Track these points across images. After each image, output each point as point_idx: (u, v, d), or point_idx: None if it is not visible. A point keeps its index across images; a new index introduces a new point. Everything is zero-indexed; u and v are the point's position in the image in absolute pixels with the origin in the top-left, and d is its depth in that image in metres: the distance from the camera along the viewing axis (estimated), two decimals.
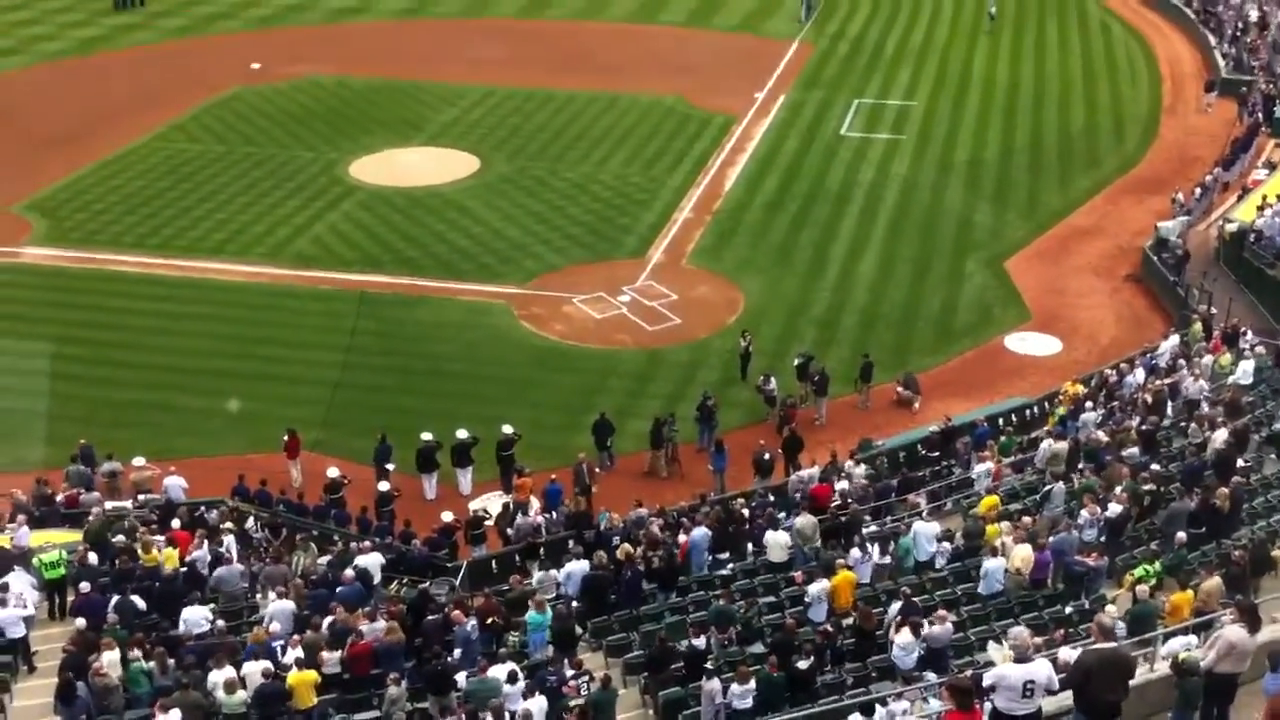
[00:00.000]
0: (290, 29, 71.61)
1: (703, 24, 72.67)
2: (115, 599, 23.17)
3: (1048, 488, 26.10)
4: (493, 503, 30.65)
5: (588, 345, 38.68)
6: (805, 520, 25.43)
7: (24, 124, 55.76)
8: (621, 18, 73.84)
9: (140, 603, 23.36)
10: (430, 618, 22.66)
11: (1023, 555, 22.78)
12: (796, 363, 35.72)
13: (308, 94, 60.71)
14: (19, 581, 23.73)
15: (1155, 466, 26.44)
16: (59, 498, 28.45)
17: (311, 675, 20.55)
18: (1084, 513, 24.30)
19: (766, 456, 31.19)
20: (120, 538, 25.78)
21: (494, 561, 27.61)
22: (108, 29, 70.85)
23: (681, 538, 25.73)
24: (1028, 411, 33.13)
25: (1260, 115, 52.33)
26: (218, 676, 20.36)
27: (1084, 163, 52.71)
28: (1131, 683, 14.10)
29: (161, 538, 25.88)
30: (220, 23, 72.58)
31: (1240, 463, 25.80)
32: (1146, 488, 25.24)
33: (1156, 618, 19.39)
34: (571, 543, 26.39)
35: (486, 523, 29.10)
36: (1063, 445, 28.17)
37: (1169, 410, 30.22)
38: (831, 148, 54.12)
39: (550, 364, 37.67)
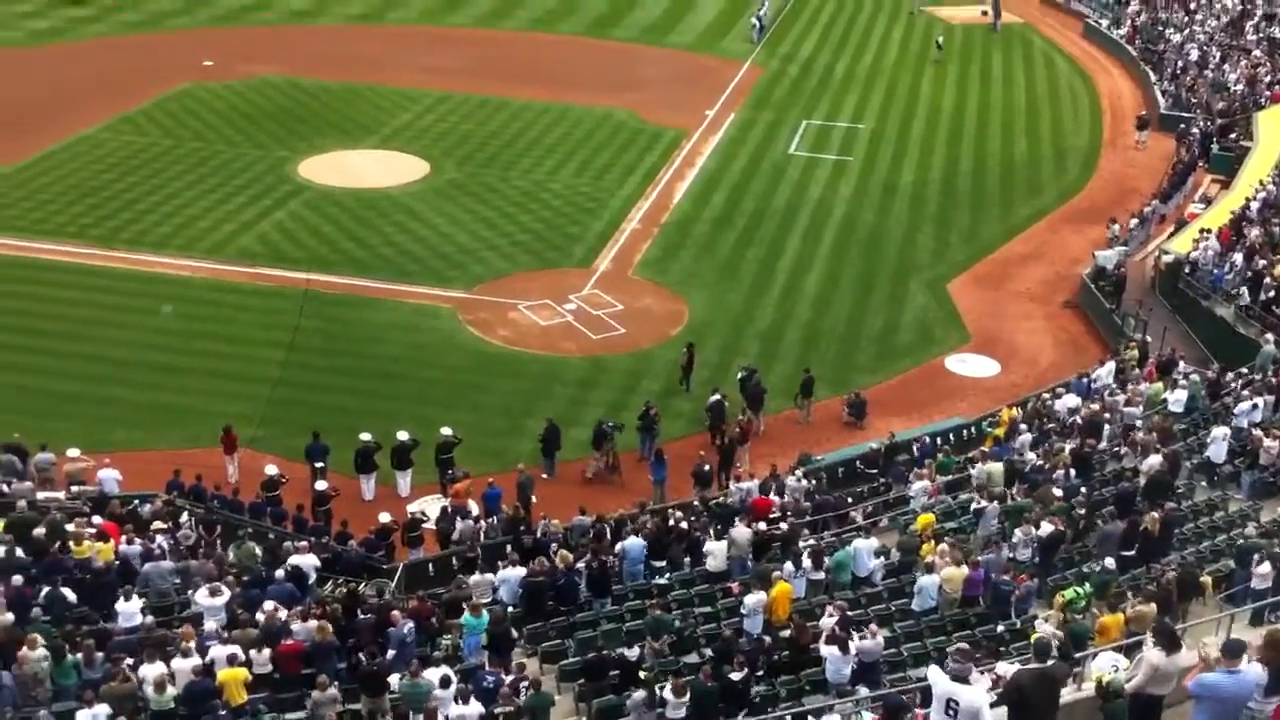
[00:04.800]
0: (245, 29, 71.10)
1: (657, 41, 73.08)
2: (45, 590, 22.87)
3: (981, 506, 26.44)
4: (431, 505, 30.56)
5: (532, 351, 38.72)
6: (742, 532, 25.60)
7: None
8: (577, 31, 74.06)
9: (71, 595, 23.06)
10: (363, 618, 22.56)
11: (955, 573, 23.08)
12: (740, 376, 35.95)
13: (260, 93, 60.27)
14: None
15: (1086, 490, 26.89)
16: None
17: (242, 673, 20.36)
18: (1018, 533, 24.66)
19: (706, 468, 31.42)
20: (41, 530, 25.37)
21: (431, 565, 27.50)
22: (61, 21, 70.08)
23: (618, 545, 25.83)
24: (965, 431, 33.57)
25: (1197, 151, 53.50)
26: (148, 672, 20.12)
27: (1025, 191, 53.57)
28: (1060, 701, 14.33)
29: (91, 530, 25.55)
30: (175, 19, 71.99)
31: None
32: (1079, 510, 25.67)
33: (1086, 638, 19.71)
34: (509, 548, 26.35)
35: (424, 525, 29.02)
36: (998, 466, 28.59)
37: (1104, 434, 30.72)
38: (779, 166, 54.60)
39: (494, 369, 37.66)
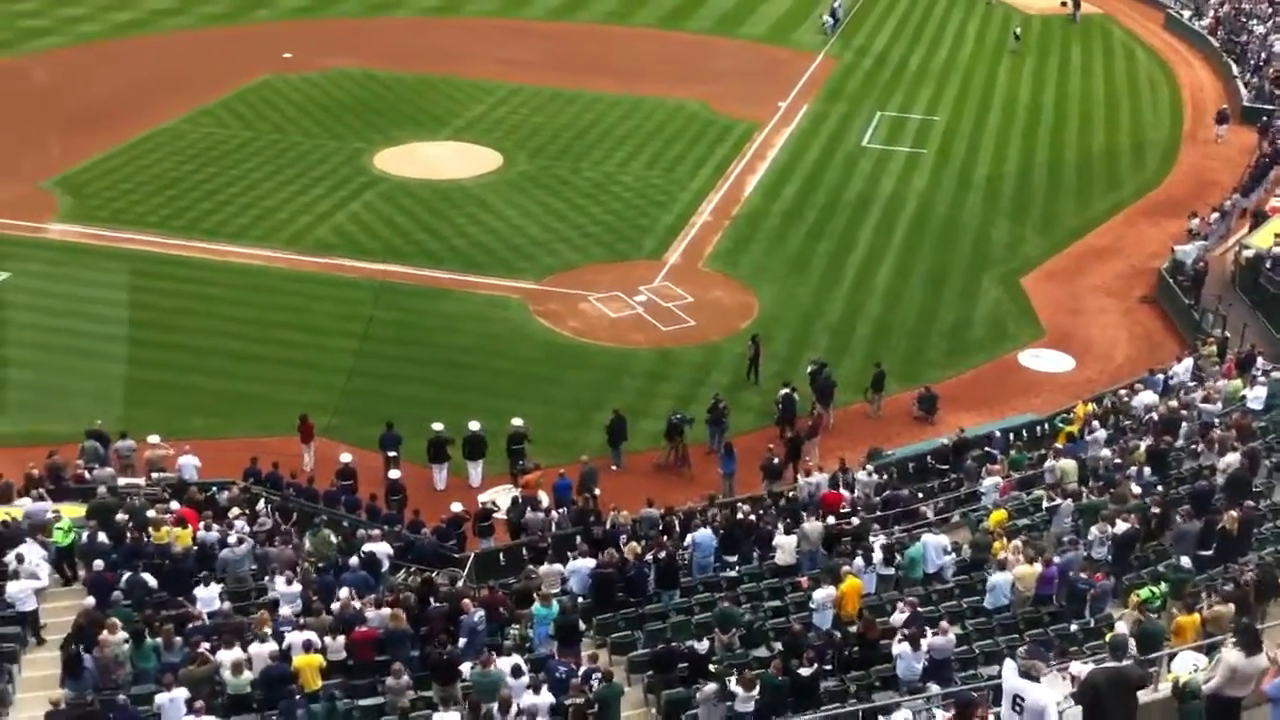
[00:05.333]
0: (324, 20, 71.94)
1: (729, 32, 72.84)
2: (126, 575, 23.41)
3: (1055, 504, 26.16)
4: (502, 496, 30.81)
5: (602, 343, 38.86)
6: (813, 526, 25.55)
7: (57, 103, 56.28)
8: (649, 23, 74.07)
9: (151, 580, 23.58)
10: (436, 606, 22.84)
11: (1028, 571, 22.88)
12: (809, 369, 35.82)
13: (337, 85, 61.03)
14: (32, 554, 23.94)
15: (1163, 488, 26.51)
16: (70, 473, 28.70)
17: (317, 659, 20.76)
18: (1093, 530, 24.37)
19: (775, 461, 31.34)
20: (123, 515, 25.97)
21: (501, 554, 27.76)
22: (145, 13, 71.35)
23: (688, 538, 25.91)
24: (1038, 428, 33.19)
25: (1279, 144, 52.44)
26: (225, 657, 20.57)
27: (1103, 184, 52.76)
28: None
29: (170, 516, 26.09)
30: (255, 12, 72.97)
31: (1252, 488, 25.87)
32: (1154, 509, 25.31)
33: (1163, 639, 19.46)
34: (578, 539, 26.53)
35: (495, 515, 29.27)
36: (1071, 463, 28.27)
37: (1181, 432, 30.26)
38: (852, 159, 54.27)
39: (564, 360, 37.84)
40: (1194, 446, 29.35)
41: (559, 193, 49.56)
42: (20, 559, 23.38)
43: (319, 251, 43.84)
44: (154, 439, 30.17)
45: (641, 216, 47.82)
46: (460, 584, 25.30)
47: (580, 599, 23.88)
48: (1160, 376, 34.00)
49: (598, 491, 29.67)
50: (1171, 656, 17.32)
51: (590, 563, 24.47)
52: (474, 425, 31.96)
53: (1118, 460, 28.51)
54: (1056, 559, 23.45)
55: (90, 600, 22.34)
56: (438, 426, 31.83)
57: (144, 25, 69.22)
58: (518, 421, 32.17)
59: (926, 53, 69.98)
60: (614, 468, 32.46)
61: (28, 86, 58.39)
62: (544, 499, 29.10)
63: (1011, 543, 24.14)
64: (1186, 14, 76.42)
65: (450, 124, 56.73)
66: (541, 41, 69.48)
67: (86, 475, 28.52)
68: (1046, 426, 33.09)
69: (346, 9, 74.38)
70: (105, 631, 20.94)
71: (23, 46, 64.64)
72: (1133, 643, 18.33)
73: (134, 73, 60.76)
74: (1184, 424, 30.45)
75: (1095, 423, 30.97)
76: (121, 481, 28.48)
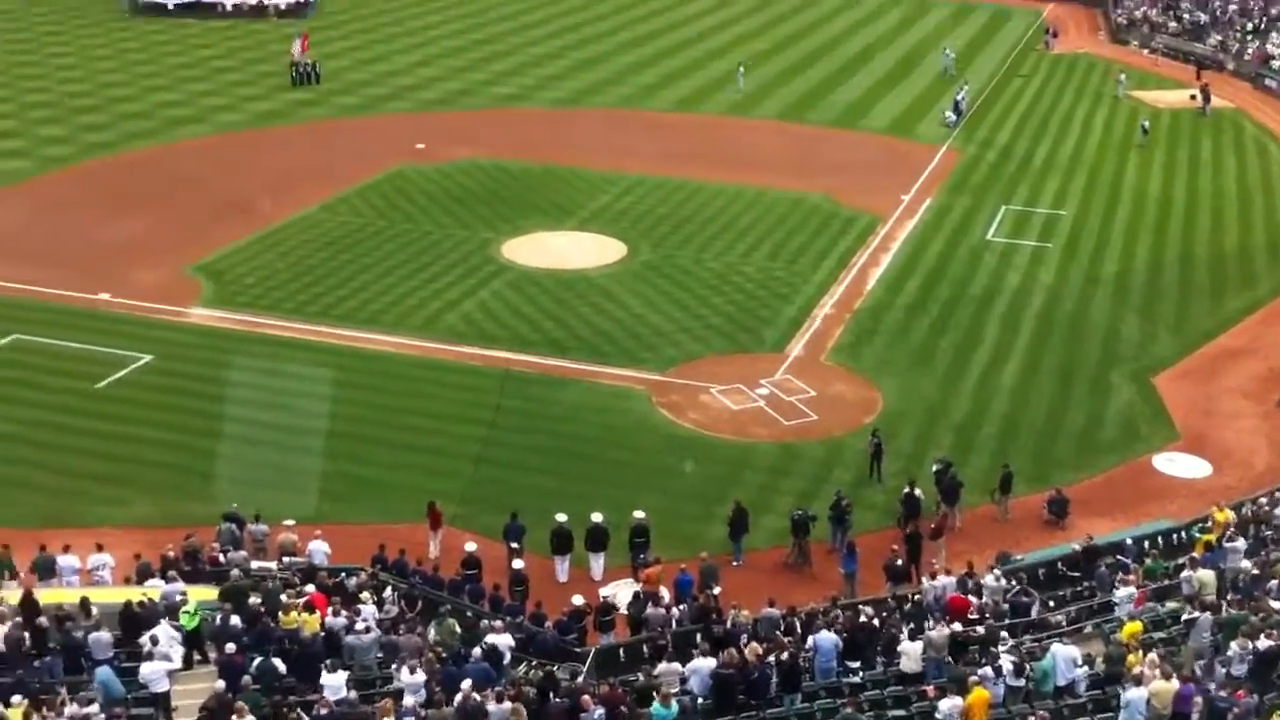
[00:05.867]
0: (455, 113, 74.06)
1: (851, 125, 73.23)
2: (257, 660, 23.88)
3: (1194, 616, 25.33)
4: (623, 590, 30.76)
5: (723, 436, 38.87)
6: (939, 632, 25.09)
7: (201, 190, 58.74)
8: (771, 115, 74.83)
9: (280, 665, 24.01)
10: (556, 701, 22.86)
11: (1165, 687, 22.15)
12: (935, 469, 35.36)
13: (467, 175, 62.65)
14: (165, 635, 24.60)
15: None
16: (205, 555, 29.49)
17: None
18: (1233, 645, 23.53)
19: (899, 562, 30.91)
20: (255, 599, 26.54)
21: (622, 650, 27.70)
22: (284, 104, 74.32)
23: (809, 640, 25.59)
24: (1174, 536, 32.22)
25: None
26: None
27: (1237, 282, 51.56)
28: None
29: (300, 601, 26.59)
30: (390, 103, 75.47)
31: None
32: None
33: None
34: (699, 637, 26.37)
35: (617, 610, 29.24)
36: (1210, 574, 27.36)
37: None
38: (976, 253, 53.89)
39: (685, 452, 37.89)
40: None
41: (682, 283, 50.00)
42: (155, 640, 24.02)
43: (447, 339, 44.74)
44: (289, 522, 30.91)
45: (763, 308, 47.98)
46: (580, 679, 25.30)
47: (700, 700, 23.69)
48: None
49: (718, 589, 29.49)
50: None
51: (711, 662, 24.28)
52: (596, 517, 32.12)
53: (1256, 572, 27.53)
54: (1196, 673, 22.66)
55: (220, 684, 22.80)
56: (561, 517, 32.05)
57: (283, 116, 72.05)
58: (639, 514, 32.26)
59: (1052, 146, 69.45)
60: (734, 563, 32.32)
61: (173, 174, 61.05)
62: (665, 594, 29.03)
63: (1147, 656, 23.41)
64: None
65: (576, 214, 57.77)
66: (665, 133, 70.65)
67: (221, 558, 29.28)
68: (1183, 535, 32.12)
69: (477, 102, 76.55)
70: (235, 716, 21.34)
71: (168, 135, 67.64)
72: None
73: (273, 161, 63.23)
74: None
75: (1234, 531, 30.00)
76: (254, 565, 29.17)
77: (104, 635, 24.98)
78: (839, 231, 56.08)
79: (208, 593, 27.25)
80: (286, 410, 39.46)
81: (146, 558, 28.88)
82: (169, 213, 56.01)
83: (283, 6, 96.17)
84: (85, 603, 25.93)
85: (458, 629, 26.21)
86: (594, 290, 49.14)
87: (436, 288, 48.92)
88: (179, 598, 26.16)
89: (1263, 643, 23.38)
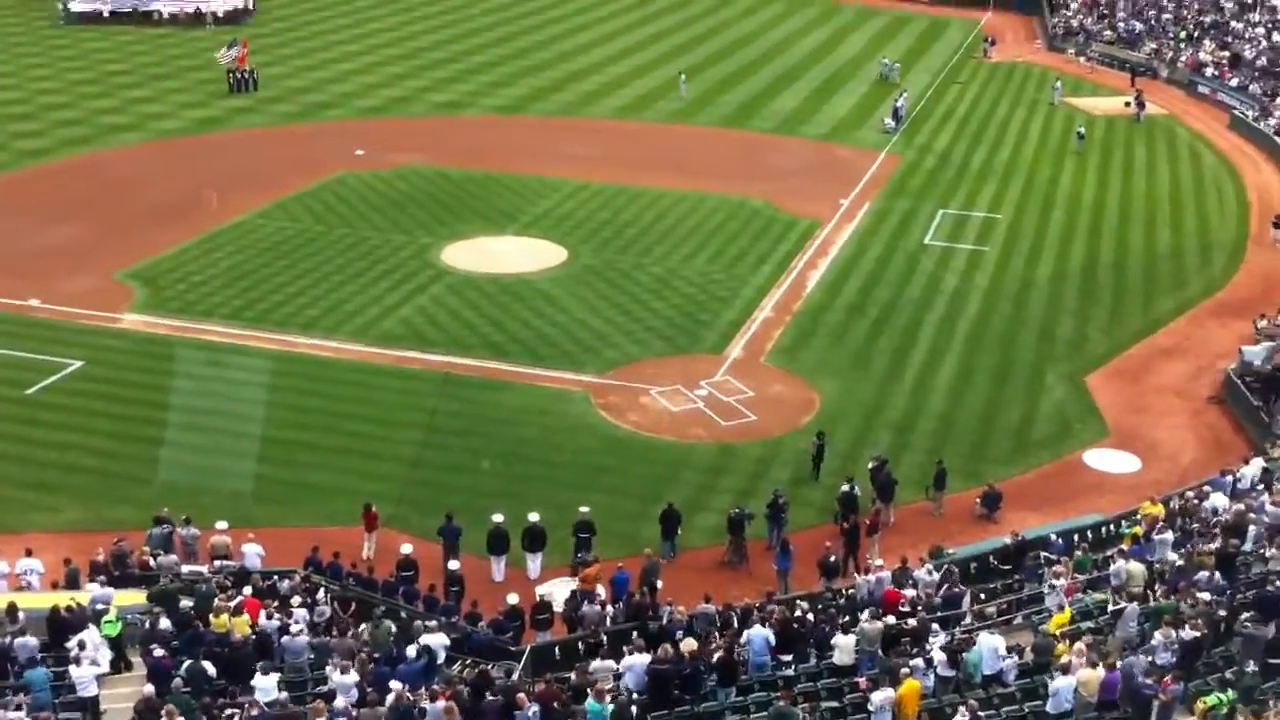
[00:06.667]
0: (395, 120, 73.76)
1: (792, 131, 73.72)
2: (187, 663, 23.64)
3: (1121, 607, 25.70)
4: (560, 588, 30.78)
5: (662, 436, 38.98)
6: (872, 625, 25.28)
7: (135, 196, 58.15)
8: (713, 122, 75.17)
9: (210, 669, 23.78)
10: (490, 700, 22.79)
11: (1091, 675, 22.44)
12: (870, 466, 35.66)
13: (407, 181, 62.42)
14: (93, 639, 24.30)
15: (1230, 593, 25.94)
16: (135, 559, 29.14)
17: None
18: (1158, 635, 23.89)
19: (833, 558, 31.17)
20: (187, 602, 26.27)
21: (557, 648, 27.68)
22: (222, 111, 73.67)
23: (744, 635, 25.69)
24: (1104, 529, 32.68)
25: None
26: None
27: (1168, 284, 52.40)
28: None
29: (232, 604, 26.37)
30: (329, 110, 75.02)
31: None
32: (1222, 613, 24.77)
33: None
34: (634, 634, 26.40)
35: (553, 609, 29.20)
36: (1138, 565, 27.77)
37: (1249, 535, 29.65)
38: (914, 256, 54.42)
39: (624, 453, 37.98)
40: (1262, 550, 28.75)
41: (622, 287, 50.09)
42: (82, 645, 23.76)
43: (385, 343, 44.52)
44: (221, 525, 30.64)
45: (703, 311, 48.16)
46: (515, 677, 25.25)
47: (635, 695, 23.71)
48: (1229, 478, 33.43)
49: (659, 584, 29.57)
50: None
51: (645, 659, 24.32)
52: (533, 517, 32.11)
53: (1182, 564, 27.97)
54: (1120, 663, 22.98)
55: (149, 688, 22.56)
56: (498, 518, 32.01)
57: (220, 123, 71.42)
58: (585, 509, 32.31)
59: (989, 152, 70.30)
60: (662, 560, 32.27)
61: (107, 181, 60.34)
62: (601, 592, 29.07)
63: (1075, 645, 23.73)
64: (1251, 114, 76.21)
65: (517, 219, 57.71)
66: (606, 139, 70.81)
67: (151, 562, 28.95)
68: (1112, 528, 32.59)
69: (417, 108, 76.31)
70: (164, 719, 21.12)
71: (103, 142, 66.86)
72: None
73: (209, 168, 62.59)
74: (1251, 527, 29.85)
75: (1163, 524, 30.47)
76: (185, 569, 28.88)
77: (30, 640, 24.62)
78: (779, 236, 56.43)
79: (136, 597, 26.94)
80: (220, 414, 39.15)
81: (76, 563, 28.50)
82: (102, 219, 55.37)
83: (220, 14, 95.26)
84: (12, 608, 25.55)
85: (394, 630, 26.05)
86: (534, 294, 49.11)
87: (375, 293, 48.69)
88: (100, 607, 25.82)
89: (1188, 632, 23.75)
